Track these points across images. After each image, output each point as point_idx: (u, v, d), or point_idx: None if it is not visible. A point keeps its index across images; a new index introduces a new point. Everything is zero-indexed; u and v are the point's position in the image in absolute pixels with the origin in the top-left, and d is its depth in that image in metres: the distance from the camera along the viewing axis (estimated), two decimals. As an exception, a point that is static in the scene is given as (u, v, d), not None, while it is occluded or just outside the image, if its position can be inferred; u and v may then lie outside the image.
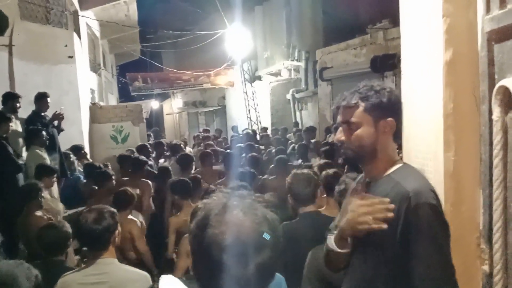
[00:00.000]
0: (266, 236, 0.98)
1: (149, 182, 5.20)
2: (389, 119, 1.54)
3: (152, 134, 13.18)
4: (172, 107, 23.44)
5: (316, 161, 5.68)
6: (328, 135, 8.77)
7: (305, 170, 3.08)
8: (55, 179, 5.13)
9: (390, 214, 1.43)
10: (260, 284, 1.00)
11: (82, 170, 6.66)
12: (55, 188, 5.50)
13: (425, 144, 1.95)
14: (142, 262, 3.71)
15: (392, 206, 1.43)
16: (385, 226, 1.42)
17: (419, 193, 1.42)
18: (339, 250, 1.57)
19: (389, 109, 1.55)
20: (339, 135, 1.61)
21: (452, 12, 1.82)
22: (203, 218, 1.03)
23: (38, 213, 3.80)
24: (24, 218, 3.82)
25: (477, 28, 1.80)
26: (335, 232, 1.60)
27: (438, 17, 1.84)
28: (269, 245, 0.99)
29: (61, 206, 4.78)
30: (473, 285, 1.79)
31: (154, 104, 22.21)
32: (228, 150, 6.32)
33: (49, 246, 2.73)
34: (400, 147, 2.06)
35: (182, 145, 8.19)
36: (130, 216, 3.88)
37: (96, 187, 5.09)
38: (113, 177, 5.18)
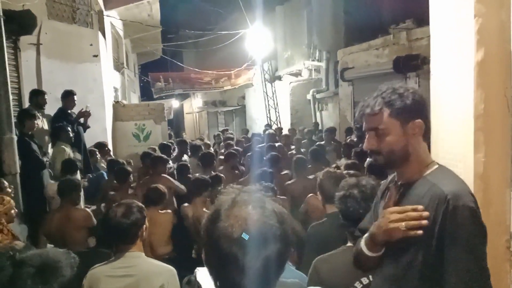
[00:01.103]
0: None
1: (169, 177, 5.30)
2: (417, 120, 1.51)
3: (173, 133, 13.34)
4: (192, 107, 23.65)
5: (342, 162, 5.65)
6: (348, 136, 8.73)
7: (338, 170, 3.12)
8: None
9: (424, 222, 1.40)
10: (269, 276, 1.03)
11: (105, 166, 6.78)
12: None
13: (454, 145, 1.93)
14: (173, 257, 3.83)
15: (426, 213, 1.41)
16: (420, 232, 1.40)
17: (457, 196, 1.38)
18: (370, 254, 1.56)
19: (415, 111, 1.51)
20: (368, 144, 1.57)
21: (484, 12, 1.80)
22: (214, 212, 1.08)
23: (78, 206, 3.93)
24: (59, 212, 3.91)
25: (510, 28, 1.78)
26: (366, 234, 1.59)
27: (470, 17, 1.82)
28: (278, 237, 1.02)
29: None
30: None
31: (174, 103, 22.43)
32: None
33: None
34: (427, 148, 2.04)
35: (202, 146, 8.26)
36: (161, 211, 4.03)
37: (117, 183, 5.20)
38: (131, 174, 5.21)
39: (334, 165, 5.09)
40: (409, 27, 9.00)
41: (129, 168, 4.89)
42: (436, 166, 1.56)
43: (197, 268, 1.23)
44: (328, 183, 2.81)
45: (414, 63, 8.27)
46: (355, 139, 7.63)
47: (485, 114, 1.81)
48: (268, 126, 12.54)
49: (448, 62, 2.03)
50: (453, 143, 1.94)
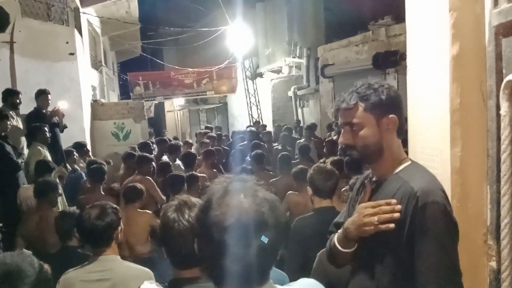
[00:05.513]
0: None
1: (149, 178, 5.18)
2: (391, 115, 1.52)
3: (153, 131, 13.14)
4: (173, 104, 23.39)
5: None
6: (328, 133, 8.76)
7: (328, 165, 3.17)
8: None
9: (396, 215, 1.41)
10: (263, 265, 1.01)
11: (84, 167, 6.64)
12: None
13: (431, 140, 1.93)
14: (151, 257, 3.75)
15: (398, 207, 1.41)
16: (392, 226, 1.40)
17: (427, 192, 1.39)
18: (343, 250, 1.56)
19: (389, 106, 1.52)
20: (343, 138, 1.58)
21: (459, 6, 1.80)
22: (206, 201, 1.05)
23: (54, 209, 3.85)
24: (36, 214, 3.81)
25: (485, 22, 1.78)
26: (340, 230, 1.59)
27: (445, 11, 1.81)
28: (271, 225, 1.00)
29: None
30: (480, 281, 1.77)
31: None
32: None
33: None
34: (405, 143, 2.04)
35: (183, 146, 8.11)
36: (139, 210, 3.97)
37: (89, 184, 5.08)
38: (106, 174, 5.05)
39: (321, 161, 5.10)
40: (387, 23, 9.09)
41: (105, 168, 4.81)
42: (409, 162, 1.57)
43: (144, 282, 1.22)
44: (318, 177, 2.84)
45: (393, 59, 8.35)
46: (335, 136, 7.65)
47: (461, 108, 1.80)
48: (251, 127, 12.43)
49: (424, 57, 2.03)
50: (430, 138, 1.93)
